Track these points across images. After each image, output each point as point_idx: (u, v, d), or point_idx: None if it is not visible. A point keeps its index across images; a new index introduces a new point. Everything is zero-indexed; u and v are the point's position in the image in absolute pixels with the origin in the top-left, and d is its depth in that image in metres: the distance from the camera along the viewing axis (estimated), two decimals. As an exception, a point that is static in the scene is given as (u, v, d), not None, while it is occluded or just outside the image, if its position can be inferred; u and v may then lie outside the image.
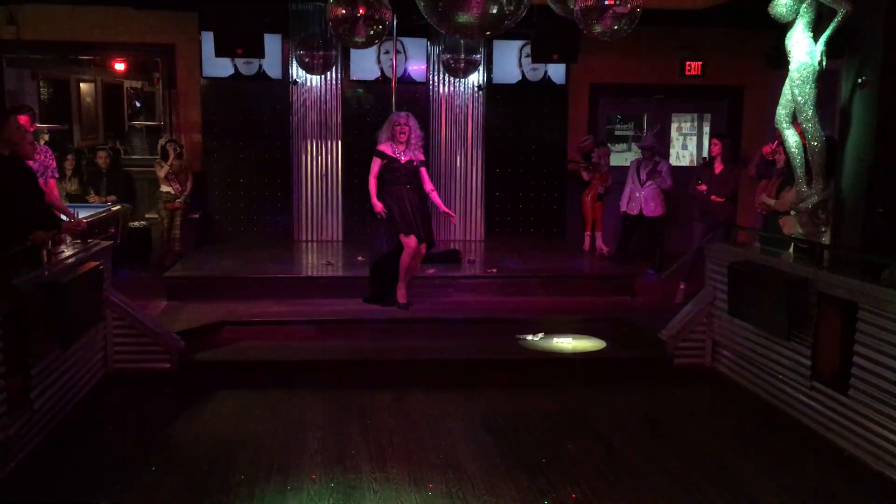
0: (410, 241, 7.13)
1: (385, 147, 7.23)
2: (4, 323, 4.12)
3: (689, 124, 11.80)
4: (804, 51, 5.52)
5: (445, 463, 4.53)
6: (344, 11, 6.11)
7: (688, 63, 10.70)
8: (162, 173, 9.30)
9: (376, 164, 7.24)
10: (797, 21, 5.56)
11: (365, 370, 6.13)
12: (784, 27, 5.68)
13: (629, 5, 5.18)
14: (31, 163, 5.58)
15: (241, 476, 4.30)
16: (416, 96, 10.17)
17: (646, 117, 11.45)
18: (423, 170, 7.37)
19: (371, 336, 6.80)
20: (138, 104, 13.42)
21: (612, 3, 5.09)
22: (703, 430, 5.24)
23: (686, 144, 11.77)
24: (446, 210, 7.53)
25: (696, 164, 10.99)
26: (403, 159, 7.20)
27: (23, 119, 5.29)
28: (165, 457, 4.61)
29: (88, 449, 4.71)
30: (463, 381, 5.99)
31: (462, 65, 9.61)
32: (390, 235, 7.20)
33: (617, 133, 11.88)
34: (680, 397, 5.88)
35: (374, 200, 7.19)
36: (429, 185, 7.39)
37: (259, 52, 9.03)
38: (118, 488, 4.15)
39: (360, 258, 8.43)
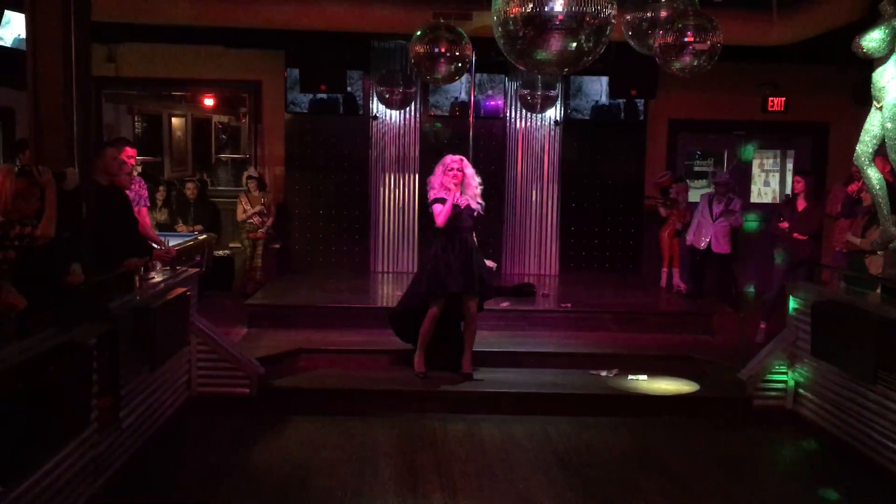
0: (433, 309, 6.39)
1: (440, 192, 6.42)
2: (98, 344, 4.32)
3: (771, 161, 11.56)
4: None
5: (517, 497, 4.52)
6: (426, 49, 6.27)
7: (770, 99, 10.52)
8: (241, 209, 9.61)
9: (445, 210, 6.35)
10: (890, 57, 5.42)
11: (437, 400, 6.16)
12: (871, 63, 5.55)
13: (709, 42, 5.17)
14: (127, 192, 5.86)
15: (315, 502, 4.38)
16: (493, 131, 10.28)
17: (725, 153, 11.28)
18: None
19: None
20: (224, 138, 13.95)
21: (692, 39, 5.09)
22: (782, 473, 5.08)
23: (768, 181, 11.53)
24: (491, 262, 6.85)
25: (778, 202, 10.75)
26: (463, 204, 6.43)
27: (130, 151, 5.58)
28: (243, 480, 4.74)
29: (170, 469, 4.88)
30: (535, 414, 5.97)
31: (539, 100, 9.70)
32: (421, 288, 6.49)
33: (696, 169, 11.72)
34: (758, 439, 5.72)
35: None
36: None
37: (342, 88, 9.30)
38: (198, 508, 4.29)
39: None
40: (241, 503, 4.40)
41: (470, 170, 6.50)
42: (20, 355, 3.54)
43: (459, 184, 6.37)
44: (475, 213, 6.51)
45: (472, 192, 6.47)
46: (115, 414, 4.53)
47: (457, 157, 6.55)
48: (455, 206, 6.34)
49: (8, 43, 8.46)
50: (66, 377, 3.77)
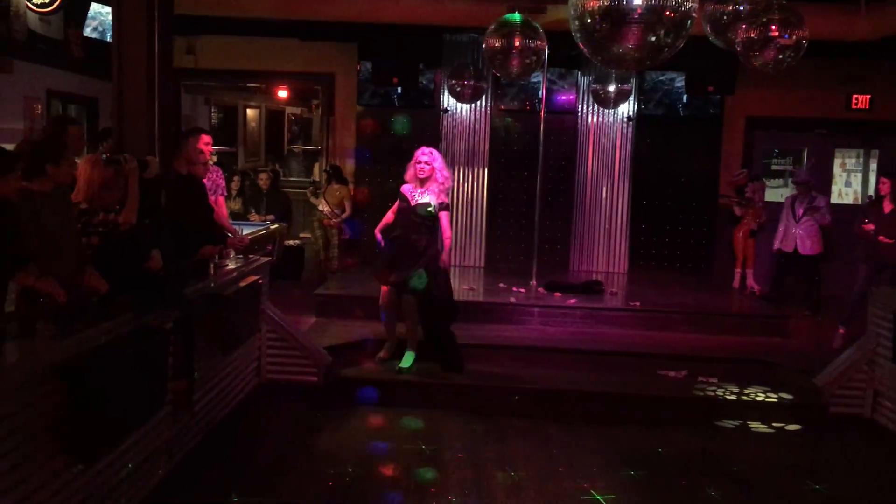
0: (383, 289, 6.45)
1: (406, 187, 6.47)
2: (174, 329, 4.44)
3: (853, 160, 11.14)
4: None
5: (580, 497, 4.47)
6: (500, 43, 6.23)
7: (854, 96, 10.14)
8: (319, 202, 9.75)
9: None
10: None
11: (502, 396, 6.14)
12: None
13: (794, 37, 5.00)
14: (204, 181, 5.99)
15: (379, 492, 4.42)
16: (563, 126, 10.18)
17: (805, 152, 10.92)
18: (444, 215, 6.41)
19: (509, 363, 6.82)
20: (297, 129, 14.20)
21: (777, 34, 4.93)
22: (859, 484, 4.90)
23: (850, 182, 11.11)
24: (444, 257, 6.43)
25: (860, 203, 10.36)
26: (414, 201, 6.35)
27: (206, 138, 5.68)
28: (309, 466, 4.81)
29: (239, 453, 4.98)
30: (601, 414, 5.89)
31: (612, 95, 9.56)
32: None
33: (774, 167, 11.38)
34: (835, 448, 5.53)
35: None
36: (446, 233, 6.43)
37: (413, 82, 9.34)
38: (264, 493, 4.37)
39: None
40: (307, 488, 4.46)
41: (439, 163, 6.41)
42: (101, 337, 3.67)
43: (427, 177, 6.31)
44: (432, 211, 6.30)
45: (440, 188, 6.37)
46: (188, 397, 4.64)
47: (426, 149, 6.48)
48: (405, 203, 6.34)
49: (94, 35, 8.78)
50: (143, 360, 3.88)
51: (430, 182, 6.35)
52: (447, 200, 6.49)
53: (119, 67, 4.92)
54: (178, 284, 4.75)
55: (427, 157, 6.37)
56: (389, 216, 6.58)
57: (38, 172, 3.91)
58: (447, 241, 6.44)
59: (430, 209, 6.32)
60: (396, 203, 6.52)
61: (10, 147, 4.11)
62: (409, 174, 6.46)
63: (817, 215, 8.61)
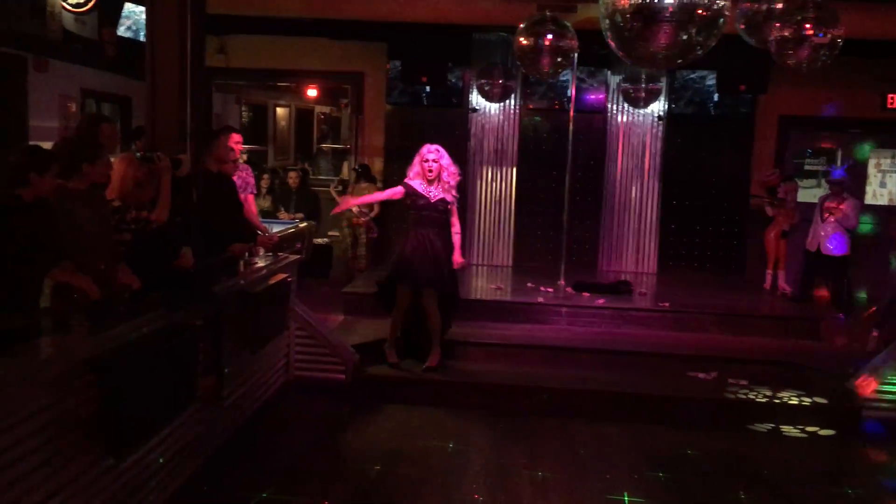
0: (399, 293, 6.43)
1: (414, 183, 6.38)
2: (204, 326, 4.48)
3: (889, 161, 10.94)
4: None
5: (607, 497, 4.45)
6: (530, 41, 6.20)
7: (890, 96, 9.95)
8: (339, 197, 9.79)
9: (396, 193, 6.46)
10: None
11: (529, 396, 6.13)
12: None
13: (829, 35, 4.92)
14: (234, 179, 6.05)
15: (405, 490, 4.43)
16: (593, 125, 10.12)
17: (839, 152, 10.75)
18: (456, 210, 6.47)
19: (536, 362, 6.79)
20: (326, 128, 14.26)
21: (811, 32, 4.85)
22: (891, 489, 4.81)
23: (885, 182, 10.92)
24: (458, 258, 6.48)
25: (895, 204, 10.18)
26: (433, 198, 6.34)
27: (236, 137, 5.73)
28: (337, 463, 4.84)
29: (267, 450, 5.01)
30: (628, 414, 5.86)
31: (643, 94, 9.48)
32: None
33: (807, 168, 11.21)
34: (868, 453, 5.45)
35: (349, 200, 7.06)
36: (456, 227, 6.49)
37: (442, 81, 9.34)
38: (292, 489, 4.40)
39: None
40: (335, 485, 4.49)
41: (446, 160, 6.36)
42: (132, 333, 3.71)
43: (435, 177, 6.28)
44: (449, 206, 6.36)
45: (448, 185, 6.34)
46: (217, 393, 4.69)
47: (433, 146, 6.41)
48: (422, 199, 6.29)
49: (128, 35, 8.89)
50: (173, 355, 3.92)
51: (439, 180, 6.31)
52: (457, 196, 6.50)
53: (152, 67, 4.98)
54: (208, 282, 4.80)
55: (434, 156, 6.32)
56: (375, 197, 6.87)
57: (75, 170, 3.97)
58: (458, 237, 6.47)
59: (449, 206, 6.35)
60: (390, 192, 6.50)
61: (46, 145, 4.19)
62: (414, 171, 6.38)
63: (838, 215, 8.47)
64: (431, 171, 6.28)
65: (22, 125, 7.67)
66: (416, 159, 6.39)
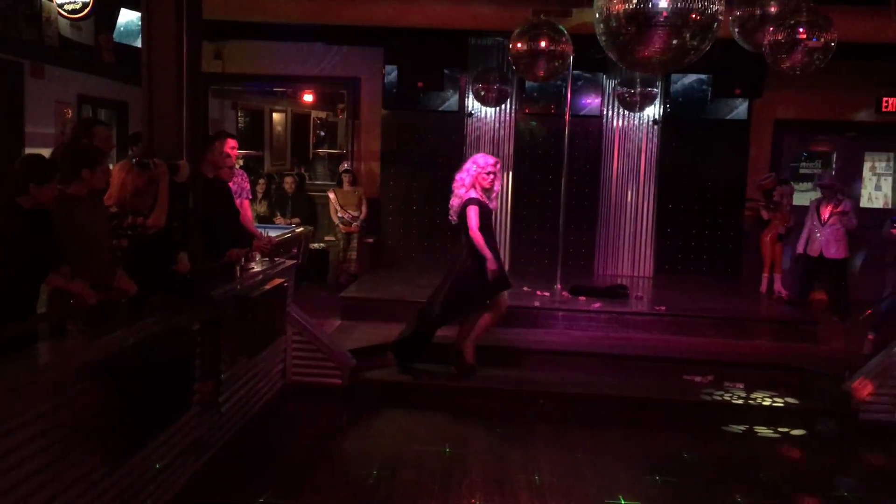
0: (505, 300, 6.46)
1: (480, 196, 6.26)
2: (201, 330, 4.49)
3: (884, 164, 10.99)
4: None
5: (606, 502, 4.45)
6: (525, 46, 6.23)
7: (885, 99, 9.99)
8: (332, 209, 9.84)
9: (475, 213, 6.17)
10: None
11: (528, 400, 6.13)
12: None
13: (823, 39, 4.95)
14: (230, 184, 6.05)
15: (403, 495, 4.43)
16: (588, 129, 10.15)
17: (834, 155, 10.80)
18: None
19: (536, 367, 6.81)
20: (322, 133, 14.27)
21: (805, 36, 4.87)
22: (889, 492, 4.82)
23: (880, 185, 10.97)
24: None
25: (890, 207, 10.22)
26: (493, 207, 6.41)
27: (232, 142, 5.74)
28: (334, 468, 4.85)
29: (265, 454, 5.01)
30: (627, 419, 5.87)
31: (638, 98, 9.51)
32: (480, 293, 6.33)
33: (802, 171, 11.26)
34: (865, 456, 5.46)
35: (489, 254, 6.13)
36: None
37: (439, 86, 9.37)
38: (290, 495, 4.40)
39: (528, 289, 8.46)
40: (332, 490, 4.49)
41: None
42: (130, 338, 3.72)
43: (490, 187, 6.26)
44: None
45: (496, 194, 6.43)
46: (215, 398, 4.69)
47: (492, 158, 6.36)
48: (489, 210, 6.29)
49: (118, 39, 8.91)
50: (171, 360, 3.93)
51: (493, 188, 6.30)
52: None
53: (149, 73, 4.98)
54: (206, 287, 4.80)
55: (496, 168, 6.27)
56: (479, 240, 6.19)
57: (75, 177, 3.97)
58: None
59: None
60: (475, 217, 6.15)
61: (43, 151, 4.19)
62: (469, 182, 6.21)
63: (844, 219, 8.49)
64: (495, 181, 6.28)
65: (18, 131, 7.67)
66: (474, 170, 6.23)
